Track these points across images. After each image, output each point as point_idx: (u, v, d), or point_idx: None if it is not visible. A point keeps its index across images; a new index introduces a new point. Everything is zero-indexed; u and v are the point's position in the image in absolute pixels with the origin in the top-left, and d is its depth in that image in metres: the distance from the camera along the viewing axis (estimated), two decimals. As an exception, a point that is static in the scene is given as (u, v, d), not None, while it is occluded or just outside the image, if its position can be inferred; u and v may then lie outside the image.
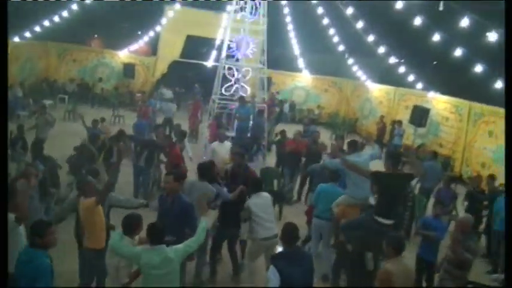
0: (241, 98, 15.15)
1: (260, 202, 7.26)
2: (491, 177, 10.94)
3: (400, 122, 18.80)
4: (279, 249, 6.08)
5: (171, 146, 10.61)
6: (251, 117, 15.52)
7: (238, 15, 16.40)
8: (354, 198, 7.63)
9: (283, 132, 13.81)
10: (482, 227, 10.70)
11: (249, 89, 16.76)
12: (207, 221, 5.92)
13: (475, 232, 9.37)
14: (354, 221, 7.27)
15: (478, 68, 15.37)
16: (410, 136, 18.38)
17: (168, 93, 24.30)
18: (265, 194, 7.46)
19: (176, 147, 10.63)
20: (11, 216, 5.55)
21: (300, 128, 16.25)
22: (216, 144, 11.71)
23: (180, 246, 5.33)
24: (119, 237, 5.31)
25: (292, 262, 5.01)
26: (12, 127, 12.55)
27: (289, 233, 5.17)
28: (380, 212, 6.67)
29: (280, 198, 10.81)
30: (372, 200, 7.84)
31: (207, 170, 7.34)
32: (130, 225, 5.45)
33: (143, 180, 11.38)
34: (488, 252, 10.13)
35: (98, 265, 6.25)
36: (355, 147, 8.22)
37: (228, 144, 11.87)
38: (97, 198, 6.12)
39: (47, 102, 21.19)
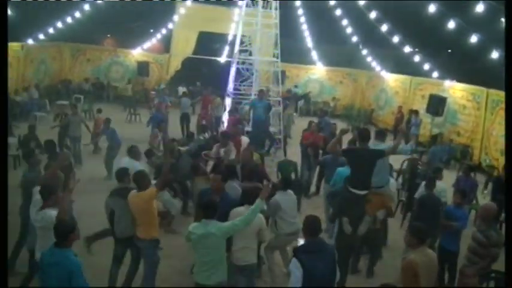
0: (261, 92, 15.08)
1: (287, 199, 7.46)
2: None
3: (416, 112, 18.68)
4: (301, 241, 6.13)
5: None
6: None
7: (250, 9, 16.36)
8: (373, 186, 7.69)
9: (310, 124, 13.70)
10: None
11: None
12: (262, 201, 5.98)
13: (497, 221, 9.24)
14: (335, 191, 8.15)
15: (495, 54, 15.17)
16: (427, 125, 18.21)
17: (182, 89, 24.54)
18: (291, 192, 7.61)
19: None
20: (52, 214, 5.64)
21: (315, 120, 16.20)
22: None
23: (225, 223, 5.72)
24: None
25: (315, 254, 4.97)
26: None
27: (311, 225, 5.15)
28: (352, 184, 7.19)
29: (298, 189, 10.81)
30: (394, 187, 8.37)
31: (234, 171, 7.86)
32: (207, 206, 5.76)
33: None
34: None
35: (152, 254, 6.62)
36: (381, 137, 8.36)
37: (245, 139, 11.85)
38: (158, 185, 6.50)
39: (63, 102, 21.40)
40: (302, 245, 5.27)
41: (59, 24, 21.19)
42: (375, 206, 7.50)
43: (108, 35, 34.01)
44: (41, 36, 21.24)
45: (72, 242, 4.88)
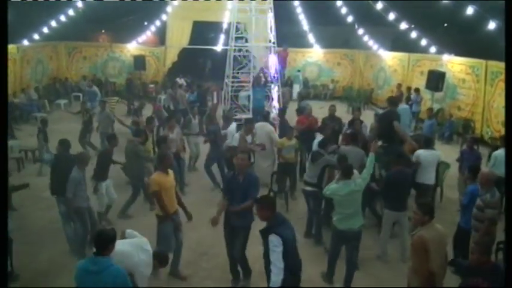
0: (258, 78, 15.06)
1: None
2: None
3: (417, 90, 18.60)
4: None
5: None
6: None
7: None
8: None
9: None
10: None
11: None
12: (373, 154, 7.47)
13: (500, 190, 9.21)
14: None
15: (491, 25, 15.06)
16: (428, 102, 18.16)
17: (180, 81, 24.37)
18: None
19: None
20: None
21: (314, 104, 16.21)
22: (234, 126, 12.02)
23: (358, 179, 7.17)
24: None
25: (284, 225, 5.45)
26: (32, 130, 12.92)
27: (272, 203, 5.66)
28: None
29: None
30: None
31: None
32: (348, 168, 7.21)
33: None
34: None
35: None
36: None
37: (270, 127, 11.95)
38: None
39: (62, 101, 21.43)
40: (275, 220, 5.48)
41: (53, 23, 21.06)
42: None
43: (103, 31, 33.90)
44: (36, 37, 21.15)
45: (111, 251, 4.91)
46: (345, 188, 6.96)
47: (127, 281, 4.85)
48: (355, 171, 7.44)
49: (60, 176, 8.02)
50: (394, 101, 10.86)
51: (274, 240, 5.15)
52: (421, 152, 9.67)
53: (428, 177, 9.66)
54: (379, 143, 9.76)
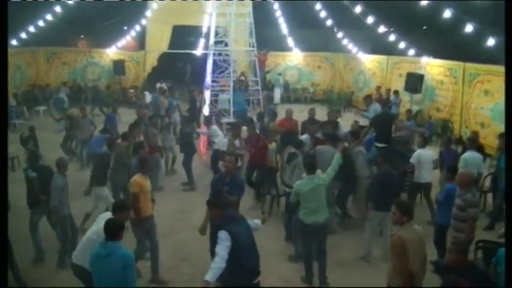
0: (239, 82, 15.07)
1: None
2: (502, 135, 10.87)
3: (397, 92, 18.77)
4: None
5: None
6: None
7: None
8: None
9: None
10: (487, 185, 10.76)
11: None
12: (339, 154, 7.74)
13: (477, 188, 9.32)
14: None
15: (469, 28, 15.25)
16: (406, 104, 18.32)
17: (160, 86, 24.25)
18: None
19: None
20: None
21: (295, 108, 16.26)
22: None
23: (323, 175, 7.43)
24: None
25: (238, 223, 5.67)
26: (11, 136, 12.72)
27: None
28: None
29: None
30: None
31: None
32: (311, 164, 7.45)
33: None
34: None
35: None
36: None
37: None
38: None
39: (41, 108, 21.18)
40: (224, 218, 5.69)
41: (31, 29, 20.84)
42: None
43: (82, 36, 33.65)
44: (14, 42, 20.89)
45: (121, 237, 5.23)
46: (310, 183, 7.25)
47: (133, 262, 5.19)
48: (319, 170, 7.59)
49: (40, 186, 7.88)
50: (385, 103, 11.71)
51: (222, 235, 5.39)
52: (421, 152, 9.85)
53: (427, 176, 9.92)
54: (379, 145, 10.37)
